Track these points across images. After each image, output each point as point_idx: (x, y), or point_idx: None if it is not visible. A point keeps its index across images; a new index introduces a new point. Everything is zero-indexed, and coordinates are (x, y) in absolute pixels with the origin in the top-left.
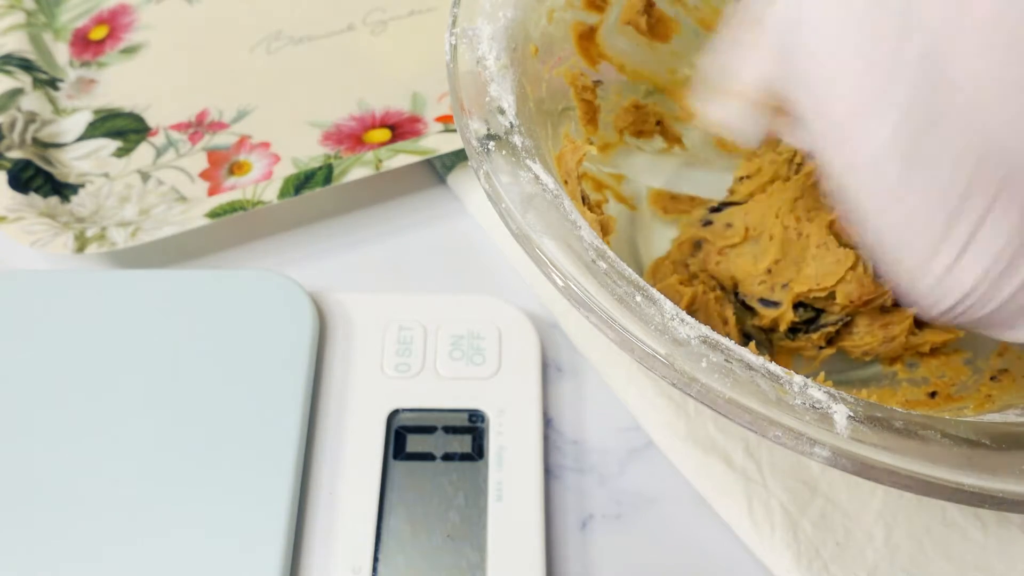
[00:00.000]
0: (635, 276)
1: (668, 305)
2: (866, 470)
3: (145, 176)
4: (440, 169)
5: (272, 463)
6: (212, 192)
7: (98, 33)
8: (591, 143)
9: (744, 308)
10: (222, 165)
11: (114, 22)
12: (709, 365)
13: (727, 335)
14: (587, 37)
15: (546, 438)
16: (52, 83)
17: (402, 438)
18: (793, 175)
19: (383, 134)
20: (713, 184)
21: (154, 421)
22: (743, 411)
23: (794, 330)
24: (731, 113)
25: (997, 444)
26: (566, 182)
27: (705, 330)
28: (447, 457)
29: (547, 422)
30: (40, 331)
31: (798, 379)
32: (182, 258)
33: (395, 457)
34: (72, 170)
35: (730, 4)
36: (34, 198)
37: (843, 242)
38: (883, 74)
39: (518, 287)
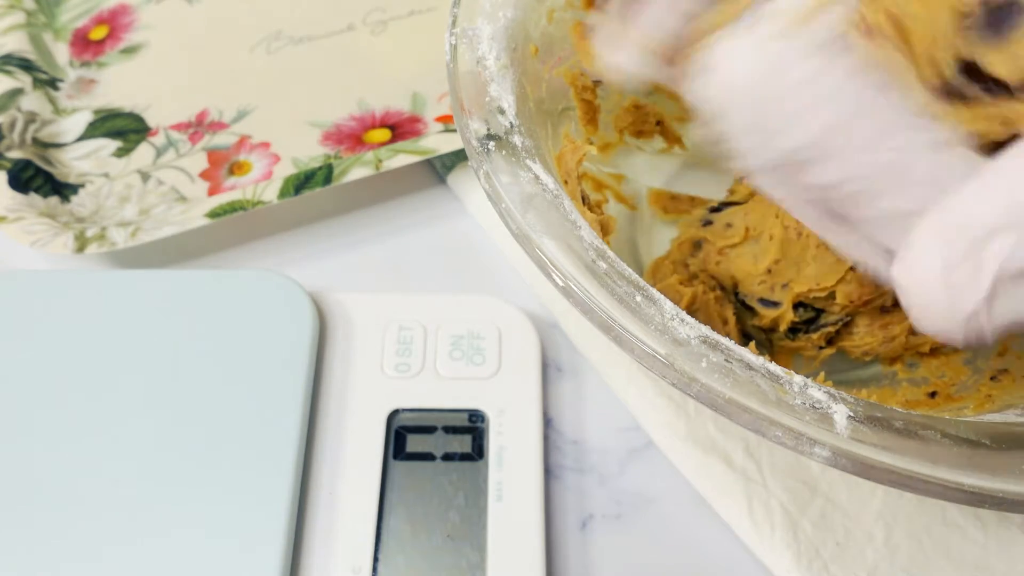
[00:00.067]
0: (635, 276)
1: (668, 305)
2: (866, 470)
3: (145, 176)
4: (440, 169)
5: (272, 463)
6: (212, 192)
7: (98, 33)
8: (591, 143)
9: (744, 308)
10: (222, 165)
11: (114, 22)
12: (709, 365)
13: (727, 335)
14: (587, 37)
15: (546, 438)
16: (52, 83)
17: (402, 438)
18: None
19: (383, 134)
20: (713, 184)
21: (154, 421)
22: (743, 411)
23: (794, 330)
24: (624, 58)
25: (997, 444)
26: (566, 182)
27: (705, 330)
28: (447, 457)
29: (547, 422)
30: (40, 331)
31: (798, 379)
32: (182, 258)
33: (395, 457)
34: (72, 170)
35: None
36: (34, 198)
37: None
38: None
39: (518, 287)
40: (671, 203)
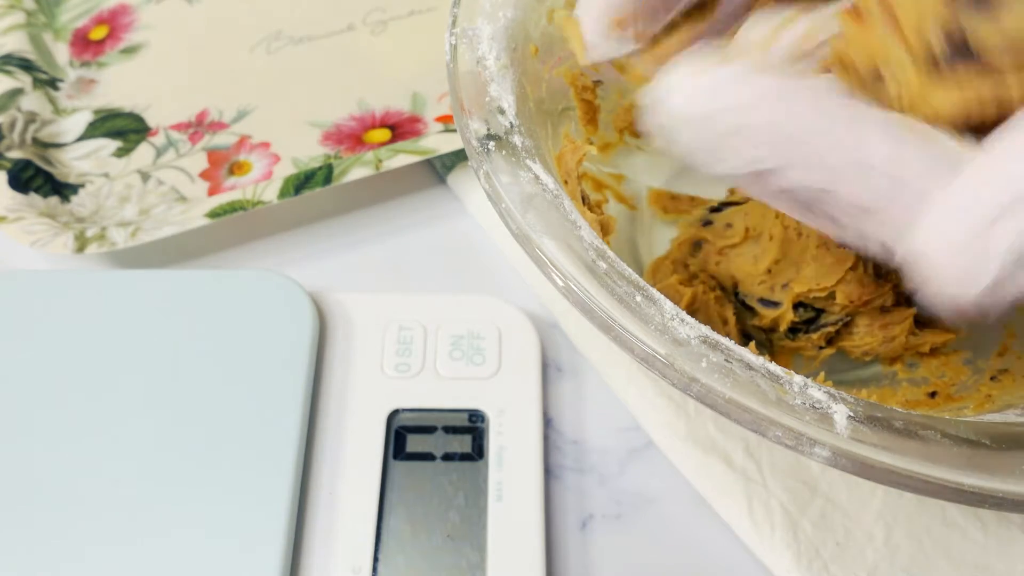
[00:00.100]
0: (635, 276)
1: (668, 305)
2: (866, 470)
3: (145, 176)
4: (440, 169)
5: (272, 463)
6: (212, 192)
7: (98, 33)
8: (591, 143)
9: (744, 308)
10: (222, 165)
11: (114, 22)
12: (709, 365)
13: (727, 335)
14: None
15: (546, 438)
16: (52, 83)
17: (402, 438)
18: None
19: (383, 134)
20: (713, 184)
21: (154, 421)
22: (743, 411)
23: (794, 330)
24: (593, 29)
25: (997, 444)
26: (566, 182)
27: (705, 330)
28: (447, 457)
29: (547, 422)
30: (40, 331)
31: (798, 379)
32: (182, 258)
33: (395, 457)
34: (72, 170)
35: None
36: (34, 198)
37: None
38: None
39: (518, 287)
40: (671, 203)
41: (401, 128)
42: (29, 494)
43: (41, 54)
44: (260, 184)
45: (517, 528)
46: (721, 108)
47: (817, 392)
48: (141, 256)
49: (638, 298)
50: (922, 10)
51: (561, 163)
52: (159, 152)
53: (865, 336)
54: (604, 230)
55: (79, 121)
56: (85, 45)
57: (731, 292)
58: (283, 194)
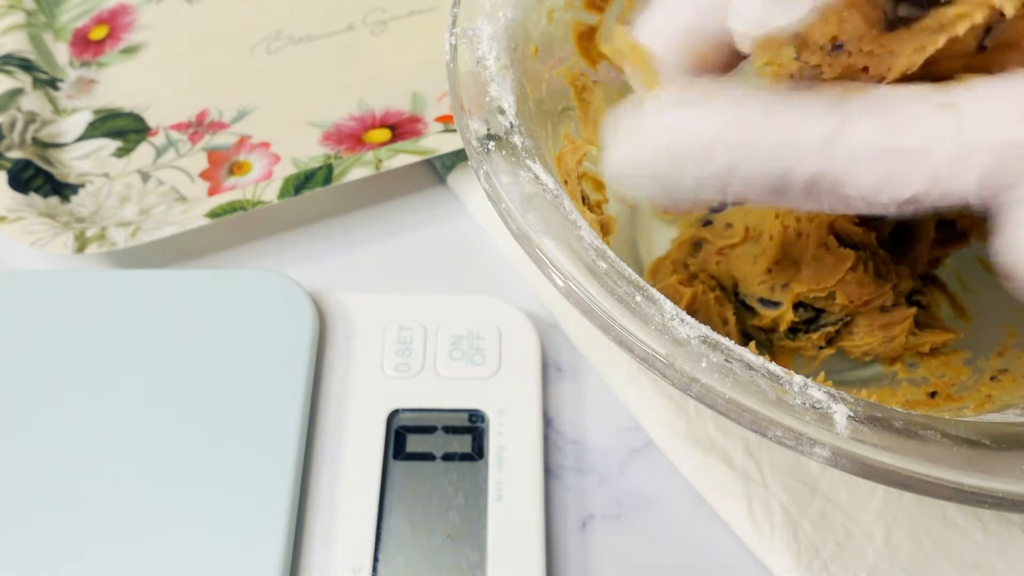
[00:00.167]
0: (635, 276)
1: (668, 305)
2: (866, 470)
3: (145, 176)
4: (440, 169)
5: (272, 463)
6: (212, 192)
7: (98, 33)
8: (591, 143)
9: (744, 308)
10: (222, 165)
11: (114, 22)
12: (709, 365)
13: (727, 335)
14: (587, 37)
15: (546, 438)
16: (52, 83)
17: (402, 438)
18: None
19: (383, 134)
20: None
21: (154, 421)
22: (743, 411)
23: (794, 330)
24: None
25: (997, 444)
26: (566, 182)
27: (705, 330)
28: (447, 457)
29: (547, 422)
30: (40, 331)
31: (798, 379)
32: (182, 258)
33: (395, 457)
34: (72, 170)
35: None
36: (34, 198)
37: (843, 242)
38: None
39: (518, 287)
40: None
41: (401, 128)
42: (29, 494)
43: (41, 54)
44: (260, 184)
45: (517, 528)
46: (668, 153)
47: (817, 392)
48: (141, 256)
49: (638, 298)
50: None
51: (561, 163)
52: (159, 152)
53: (865, 336)
54: (604, 230)
55: (79, 121)
56: (85, 45)
57: (731, 292)
58: (283, 194)
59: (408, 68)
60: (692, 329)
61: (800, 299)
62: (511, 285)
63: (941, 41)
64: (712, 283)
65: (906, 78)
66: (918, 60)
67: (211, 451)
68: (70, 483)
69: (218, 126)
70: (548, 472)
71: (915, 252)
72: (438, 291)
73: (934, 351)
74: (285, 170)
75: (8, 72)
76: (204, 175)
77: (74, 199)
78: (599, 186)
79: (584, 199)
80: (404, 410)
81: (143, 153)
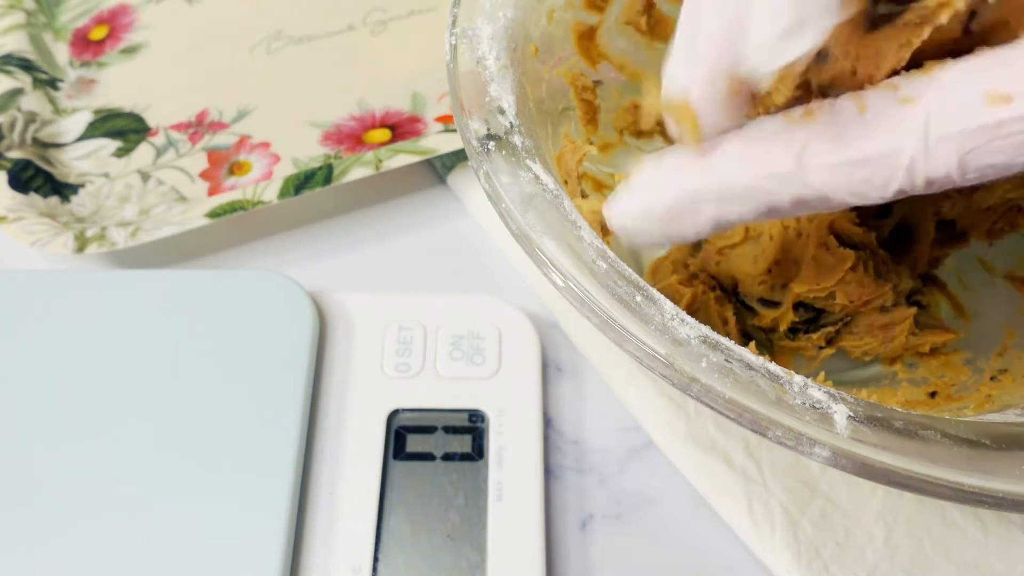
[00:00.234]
0: (635, 276)
1: (668, 305)
2: (866, 470)
3: (145, 176)
4: (440, 169)
5: (272, 463)
6: (212, 192)
7: (98, 33)
8: (591, 143)
9: (744, 308)
10: (222, 165)
11: (114, 22)
12: (709, 365)
13: (727, 335)
14: (587, 37)
15: (546, 438)
16: (52, 83)
17: (402, 438)
18: None
19: (383, 134)
20: None
21: (154, 421)
22: (743, 411)
23: (794, 330)
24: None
25: (997, 444)
26: (566, 182)
27: (705, 330)
28: (447, 457)
29: (547, 422)
30: (40, 331)
31: (798, 379)
32: (182, 258)
33: (395, 457)
34: (72, 170)
35: None
36: (34, 198)
37: (843, 242)
38: None
39: (518, 287)
40: None
41: (401, 128)
42: (29, 494)
43: (41, 54)
44: (260, 184)
45: (517, 528)
46: (670, 212)
47: (817, 392)
48: (141, 256)
49: (638, 298)
50: None
51: (561, 163)
52: (159, 152)
53: (865, 336)
54: (604, 230)
55: (79, 121)
56: (85, 45)
57: (731, 292)
58: (283, 194)
59: (408, 68)
60: (692, 329)
61: (800, 299)
62: (511, 285)
63: (926, 33)
64: (712, 283)
65: (895, 72)
66: (905, 55)
67: (211, 451)
68: (70, 483)
69: (218, 126)
70: (548, 472)
71: (915, 252)
72: (438, 291)
73: (934, 351)
74: (285, 170)
75: (8, 72)
76: (204, 175)
77: (74, 199)
78: (599, 186)
79: (584, 199)
80: (404, 410)
81: (143, 153)
